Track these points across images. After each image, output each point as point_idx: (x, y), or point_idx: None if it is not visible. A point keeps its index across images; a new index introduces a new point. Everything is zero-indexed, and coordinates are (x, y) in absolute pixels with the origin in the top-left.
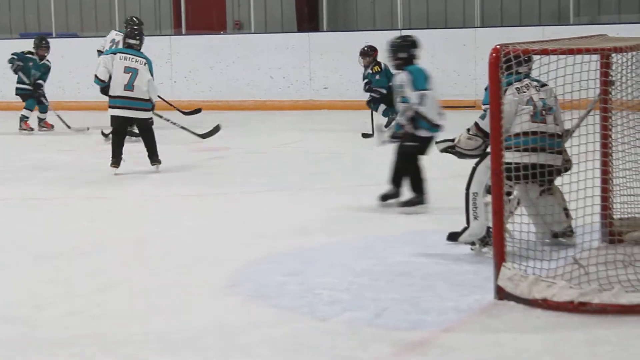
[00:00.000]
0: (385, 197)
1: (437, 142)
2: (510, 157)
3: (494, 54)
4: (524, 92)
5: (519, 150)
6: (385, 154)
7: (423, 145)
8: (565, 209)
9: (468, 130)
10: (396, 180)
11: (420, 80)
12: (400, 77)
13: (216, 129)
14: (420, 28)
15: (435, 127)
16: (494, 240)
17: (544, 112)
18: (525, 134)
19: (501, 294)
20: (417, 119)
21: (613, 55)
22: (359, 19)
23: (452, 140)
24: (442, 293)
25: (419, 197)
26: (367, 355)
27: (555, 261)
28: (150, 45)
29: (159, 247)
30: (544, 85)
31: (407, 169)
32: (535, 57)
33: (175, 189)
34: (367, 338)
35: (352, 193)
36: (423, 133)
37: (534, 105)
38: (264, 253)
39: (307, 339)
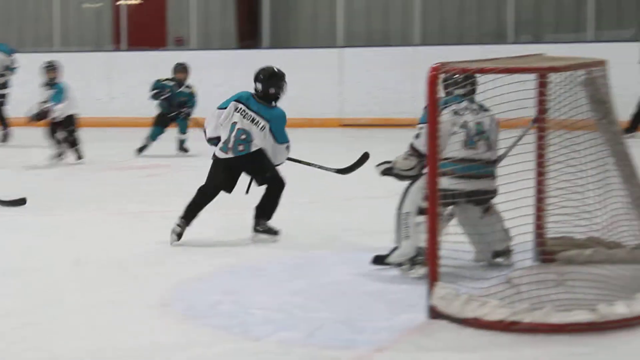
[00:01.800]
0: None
1: (376, 165)
2: (445, 182)
3: (432, 72)
4: (460, 115)
5: (454, 176)
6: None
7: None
8: (505, 229)
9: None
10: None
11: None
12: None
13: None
14: (361, 46)
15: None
16: (428, 260)
17: (476, 138)
18: (457, 160)
19: (434, 313)
20: None
21: (550, 74)
22: (299, 36)
23: (389, 162)
24: (375, 312)
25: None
26: None
27: (488, 280)
28: (90, 61)
29: (94, 266)
30: (485, 109)
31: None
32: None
33: (110, 208)
34: (300, 357)
35: (287, 210)
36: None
37: (467, 130)
38: (198, 272)
39: (240, 357)
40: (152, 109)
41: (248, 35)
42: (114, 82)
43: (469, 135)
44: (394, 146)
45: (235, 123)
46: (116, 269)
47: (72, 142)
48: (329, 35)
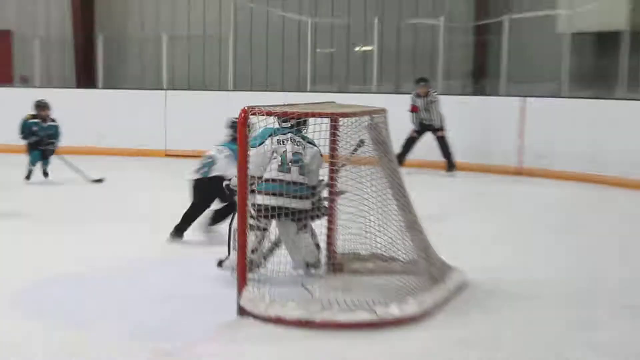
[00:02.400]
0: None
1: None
2: (260, 199)
3: (242, 114)
4: (282, 144)
5: (267, 194)
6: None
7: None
8: (317, 244)
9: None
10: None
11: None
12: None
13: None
14: (183, 89)
15: None
16: (238, 269)
17: (290, 164)
18: (271, 180)
19: (243, 312)
20: None
21: (340, 119)
22: (129, 80)
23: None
24: (192, 310)
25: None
26: None
27: (287, 286)
28: None
29: None
30: (310, 142)
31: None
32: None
33: None
34: (128, 349)
35: (121, 226)
36: None
37: (284, 157)
38: (47, 274)
39: (79, 348)
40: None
41: (85, 76)
42: None
43: (284, 162)
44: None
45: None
46: None
47: None
48: (156, 78)
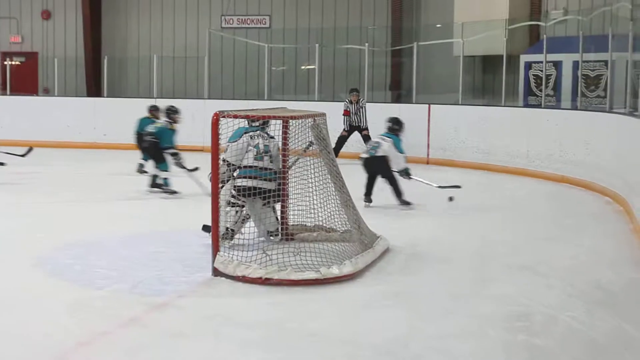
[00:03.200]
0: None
1: (208, 175)
2: (239, 182)
3: (214, 117)
4: (255, 139)
5: (244, 177)
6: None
7: None
8: (277, 217)
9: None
10: None
11: None
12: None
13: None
14: (169, 98)
15: None
16: (212, 236)
17: (262, 154)
18: (249, 167)
19: (216, 272)
20: None
21: (290, 120)
22: (128, 90)
23: None
24: (177, 271)
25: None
26: (128, 313)
27: (251, 251)
28: None
29: None
30: (272, 137)
31: None
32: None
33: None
34: (128, 301)
35: (122, 200)
36: None
37: (258, 148)
38: (60, 242)
39: (87, 302)
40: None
41: (93, 88)
42: (2, 116)
43: (258, 152)
44: (190, 163)
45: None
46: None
47: None
48: (147, 89)
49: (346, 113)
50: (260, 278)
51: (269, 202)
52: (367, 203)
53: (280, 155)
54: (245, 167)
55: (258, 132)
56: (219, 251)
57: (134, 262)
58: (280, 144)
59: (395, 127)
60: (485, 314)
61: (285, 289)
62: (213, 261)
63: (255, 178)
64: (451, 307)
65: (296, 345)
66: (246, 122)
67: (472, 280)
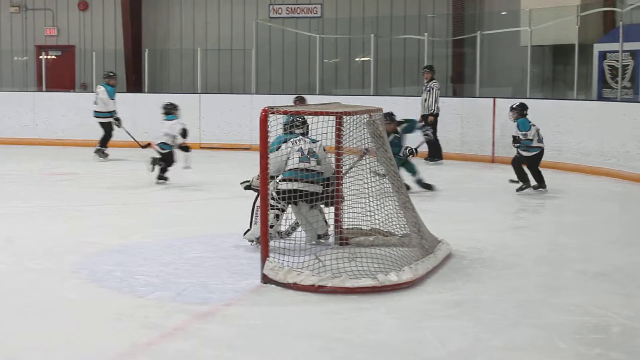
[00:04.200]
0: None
1: (240, 183)
2: (282, 185)
3: (263, 113)
4: (297, 144)
5: (287, 180)
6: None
7: None
8: (325, 220)
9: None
10: None
11: None
12: None
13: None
14: (214, 93)
15: None
16: (261, 241)
17: (308, 156)
18: (293, 169)
19: (265, 279)
20: None
21: (344, 116)
22: (170, 85)
23: (249, 181)
24: (224, 278)
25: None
26: (170, 322)
27: (303, 257)
28: (20, 98)
29: (20, 244)
30: (314, 141)
31: None
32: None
33: (36, 202)
34: (171, 310)
35: (159, 207)
36: None
37: (302, 151)
38: (96, 249)
39: (128, 311)
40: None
41: (134, 83)
42: (36, 113)
43: (303, 154)
44: (236, 163)
45: None
46: (37, 245)
47: None
48: (191, 84)
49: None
50: (313, 285)
51: (315, 205)
52: None
53: (329, 157)
54: (289, 169)
55: (299, 137)
56: (268, 257)
57: (177, 268)
58: (325, 144)
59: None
60: (555, 324)
61: (340, 298)
62: (262, 267)
63: (298, 181)
64: (518, 317)
65: (352, 358)
66: (283, 130)
67: (540, 288)
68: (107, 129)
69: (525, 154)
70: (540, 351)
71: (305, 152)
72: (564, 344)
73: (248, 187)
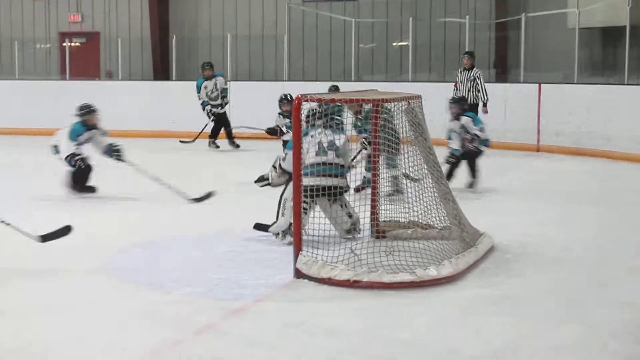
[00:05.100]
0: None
1: (255, 181)
2: (305, 181)
3: (296, 101)
4: (317, 137)
5: (310, 176)
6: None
7: None
8: (349, 213)
9: (274, 168)
10: None
11: None
12: None
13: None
14: (244, 80)
15: None
16: (294, 235)
17: (327, 149)
18: (310, 165)
19: (298, 274)
20: None
21: (382, 104)
22: (199, 72)
23: (267, 179)
24: (255, 273)
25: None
26: (201, 319)
27: (338, 250)
28: (43, 87)
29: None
30: (340, 131)
31: None
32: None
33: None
34: (202, 306)
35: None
36: None
37: (321, 144)
38: (126, 244)
39: (157, 307)
40: None
41: (161, 71)
42: (60, 103)
43: (321, 147)
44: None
45: None
46: (63, 241)
47: None
48: (222, 72)
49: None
50: (348, 280)
51: (337, 199)
52: None
53: (350, 149)
54: (306, 165)
55: (319, 130)
56: (301, 251)
57: (208, 263)
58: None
59: None
60: (605, 323)
61: (376, 293)
62: (295, 262)
63: (316, 175)
64: (565, 314)
65: (390, 356)
66: (305, 124)
67: (589, 284)
68: (220, 120)
69: (477, 149)
70: (589, 351)
71: (324, 145)
72: (615, 343)
73: (266, 185)
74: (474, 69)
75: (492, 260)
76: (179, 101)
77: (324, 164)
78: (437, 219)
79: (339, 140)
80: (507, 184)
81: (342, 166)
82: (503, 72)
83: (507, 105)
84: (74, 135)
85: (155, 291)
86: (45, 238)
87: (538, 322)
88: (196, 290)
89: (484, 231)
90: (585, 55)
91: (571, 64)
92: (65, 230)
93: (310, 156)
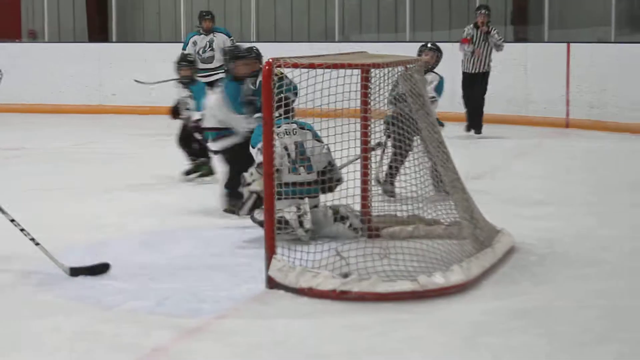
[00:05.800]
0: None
1: (226, 210)
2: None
3: (266, 67)
4: (282, 137)
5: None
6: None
7: None
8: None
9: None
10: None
11: None
12: None
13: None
14: None
15: None
16: (266, 235)
17: (296, 164)
18: (286, 184)
19: (272, 283)
20: None
21: (372, 70)
22: (145, 32)
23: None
24: (217, 283)
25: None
26: (148, 342)
27: (320, 253)
28: None
29: None
30: (302, 128)
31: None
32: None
33: None
34: (149, 325)
35: (139, 191)
36: None
37: (290, 157)
38: (54, 246)
39: (92, 327)
40: None
41: (98, 31)
42: None
43: (291, 161)
44: None
45: None
46: None
47: None
48: (172, 31)
49: (464, 41)
50: (334, 291)
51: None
52: None
53: (319, 149)
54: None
55: (284, 127)
56: (275, 254)
57: (158, 270)
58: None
59: None
60: None
61: (369, 307)
62: (267, 268)
63: (289, 198)
64: (604, 329)
65: None
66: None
67: (632, 292)
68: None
69: None
70: None
71: (293, 157)
72: None
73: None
74: (493, 30)
75: (513, 263)
76: (120, 68)
77: (300, 184)
78: (444, 212)
79: (306, 142)
80: (530, 168)
81: (315, 182)
82: (523, 28)
83: (527, 70)
84: None
85: (90, 307)
86: (75, 272)
87: (572, 341)
88: (142, 304)
89: (502, 227)
90: (624, 8)
91: (607, 20)
92: (103, 268)
93: (283, 173)
